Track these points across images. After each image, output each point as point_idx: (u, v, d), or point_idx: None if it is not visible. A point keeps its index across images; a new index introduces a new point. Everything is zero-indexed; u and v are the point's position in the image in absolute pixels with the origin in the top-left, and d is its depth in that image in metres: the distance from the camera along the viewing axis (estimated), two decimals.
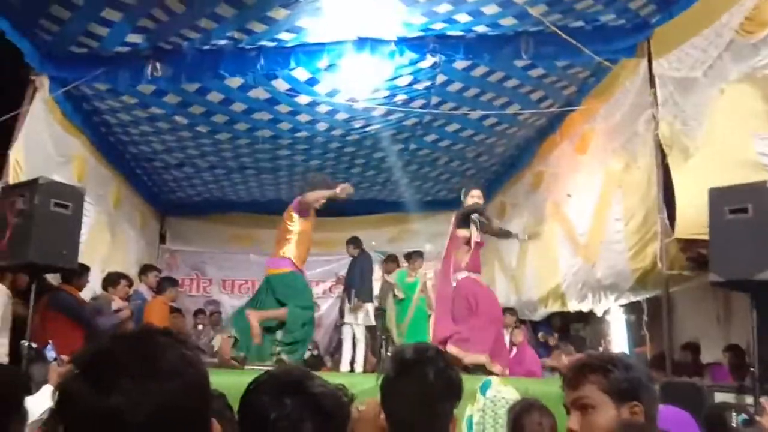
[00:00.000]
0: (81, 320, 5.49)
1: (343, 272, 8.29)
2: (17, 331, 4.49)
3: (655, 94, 5.27)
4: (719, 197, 3.97)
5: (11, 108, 5.54)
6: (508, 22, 5.41)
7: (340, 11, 5.24)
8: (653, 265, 5.29)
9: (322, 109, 6.85)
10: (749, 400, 3.78)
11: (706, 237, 4.13)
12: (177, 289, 7.39)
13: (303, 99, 6.59)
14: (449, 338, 5.41)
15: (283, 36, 5.59)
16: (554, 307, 7.52)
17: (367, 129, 7.43)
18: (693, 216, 4.66)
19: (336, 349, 8.94)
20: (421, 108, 6.81)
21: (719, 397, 4.06)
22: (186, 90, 6.40)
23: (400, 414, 1.52)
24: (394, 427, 1.51)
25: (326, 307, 9.98)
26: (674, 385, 4.13)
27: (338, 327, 8.62)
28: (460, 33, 5.61)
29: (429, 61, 5.87)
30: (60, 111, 6.19)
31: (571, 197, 6.89)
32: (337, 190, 5.69)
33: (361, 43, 5.70)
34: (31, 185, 4.47)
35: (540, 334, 8.20)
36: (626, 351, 7.46)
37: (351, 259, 7.86)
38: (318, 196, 5.75)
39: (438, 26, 5.49)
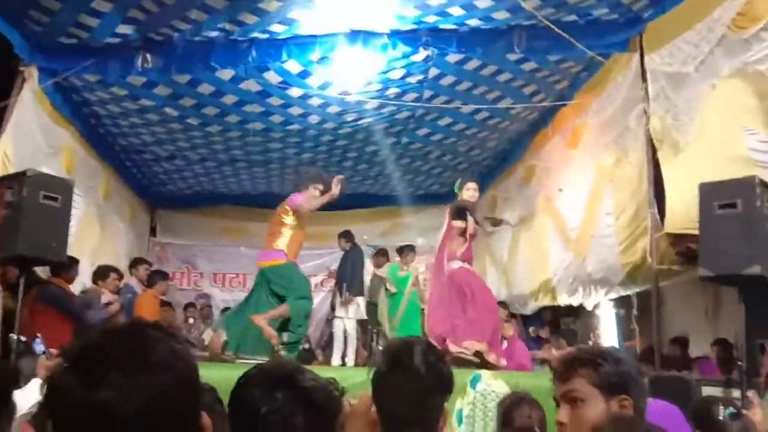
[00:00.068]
0: (70, 313, 5.45)
1: (334, 266, 8.28)
2: (6, 324, 4.46)
3: (646, 88, 5.29)
4: (709, 192, 3.99)
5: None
6: (501, 15, 5.41)
7: (332, 3, 5.22)
8: (643, 260, 5.33)
9: (314, 101, 6.82)
10: (737, 393, 3.81)
11: (696, 232, 4.17)
12: (167, 282, 7.37)
13: (295, 91, 6.56)
14: (447, 330, 5.41)
15: (275, 28, 5.55)
16: (545, 301, 7.56)
17: (359, 122, 7.41)
18: (683, 211, 4.69)
19: (327, 343, 8.93)
20: (413, 101, 6.80)
21: (707, 390, 4.10)
22: (176, 82, 6.34)
23: (391, 408, 1.52)
24: (385, 421, 1.51)
25: (318, 301, 9.92)
26: (663, 378, 4.17)
27: (329, 321, 8.62)
28: (453, 26, 5.61)
29: (422, 54, 5.86)
30: (49, 102, 6.12)
31: (563, 191, 6.91)
32: (336, 191, 5.70)
33: (354, 35, 5.68)
34: (20, 177, 4.43)
35: (531, 329, 8.23)
36: (616, 345, 7.50)
37: (343, 252, 7.87)
38: (316, 204, 5.77)
39: (431, 19, 5.48)
